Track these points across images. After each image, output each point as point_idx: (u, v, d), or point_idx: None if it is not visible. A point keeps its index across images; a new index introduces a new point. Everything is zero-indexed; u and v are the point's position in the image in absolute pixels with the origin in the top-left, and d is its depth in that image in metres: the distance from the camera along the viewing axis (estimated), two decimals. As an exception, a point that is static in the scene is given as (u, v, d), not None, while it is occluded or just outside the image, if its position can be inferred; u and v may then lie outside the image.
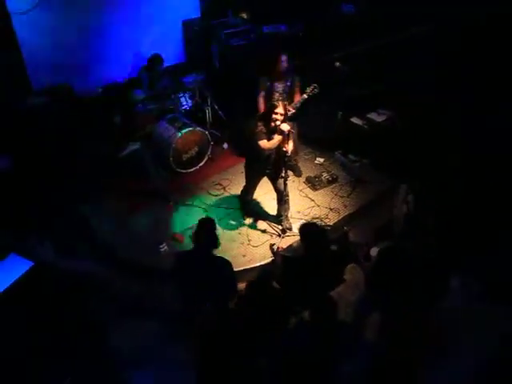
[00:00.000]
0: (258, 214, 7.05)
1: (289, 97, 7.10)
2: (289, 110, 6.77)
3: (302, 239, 5.02)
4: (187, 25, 9.28)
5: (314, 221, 6.67)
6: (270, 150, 6.07)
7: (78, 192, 7.09)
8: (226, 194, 7.50)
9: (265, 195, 7.20)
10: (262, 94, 7.10)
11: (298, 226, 6.18)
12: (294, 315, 4.66)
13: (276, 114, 5.89)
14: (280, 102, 6.09)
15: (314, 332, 4.17)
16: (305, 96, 6.81)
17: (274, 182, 6.51)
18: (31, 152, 7.19)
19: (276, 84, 7.06)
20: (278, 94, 7.05)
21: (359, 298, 5.19)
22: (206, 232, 4.77)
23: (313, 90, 6.77)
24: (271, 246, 6.22)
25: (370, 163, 7.88)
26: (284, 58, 6.90)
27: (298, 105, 6.93)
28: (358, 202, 7.31)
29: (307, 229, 5.06)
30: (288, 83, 7.05)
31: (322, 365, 4.10)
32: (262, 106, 7.04)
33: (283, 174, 6.29)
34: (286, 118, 6.39)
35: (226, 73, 8.98)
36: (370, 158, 7.89)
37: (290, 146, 6.11)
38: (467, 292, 4.86)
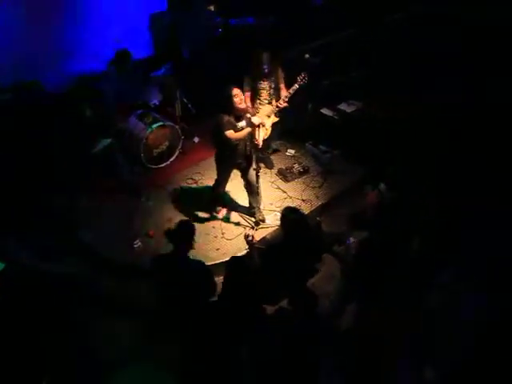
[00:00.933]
0: (231, 206, 7.04)
1: (275, 92, 7.07)
2: (280, 104, 6.79)
3: (282, 224, 4.96)
4: (155, 18, 9.19)
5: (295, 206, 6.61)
6: (237, 140, 6.01)
7: (52, 189, 7.02)
8: (198, 188, 7.48)
9: (236, 188, 7.17)
10: (248, 94, 7.01)
11: (273, 217, 6.37)
12: (271, 305, 4.68)
13: (236, 96, 5.79)
14: (234, 88, 5.90)
15: (293, 322, 4.20)
16: (296, 86, 6.69)
17: (244, 173, 6.47)
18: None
19: (261, 82, 6.98)
20: (265, 93, 7.00)
21: (335, 288, 5.45)
22: (185, 236, 4.70)
23: (303, 78, 6.69)
24: (246, 236, 6.14)
25: (341, 154, 7.92)
26: (265, 56, 6.80)
27: (288, 97, 6.80)
28: (329, 193, 7.35)
29: (290, 213, 5.01)
30: (273, 79, 6.99)
31: (300, 354, 4.13)
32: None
33: (254, 166, 6.31)
34: (275, 112, 6.53)
35: (195, 67, 8.93)
36: (340, 148, 7.93)
37: (260, 136, 6.13)
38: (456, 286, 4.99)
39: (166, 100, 8.31)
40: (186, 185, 7.54)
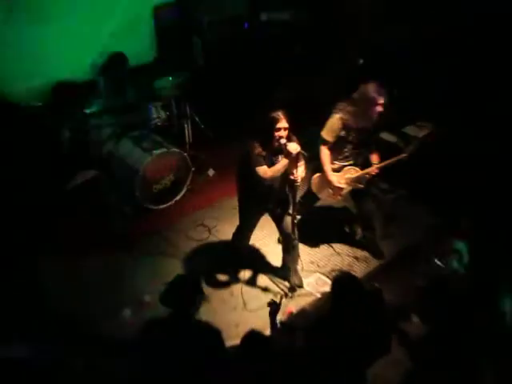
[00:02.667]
0: (257, 265, 6.98)
1: (363, 150, 6.71)
2: (372, 172, 6.60)
3: (332, 292, 4.87)
4: (159, 11, 9.33)
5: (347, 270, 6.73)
6: (272, 178, 5.95)
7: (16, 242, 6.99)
8: (213, 239, 7.45)
9: (265, 239, 7.22)
10: (329, 143, 6.59)
11: (314, 281, 6.59)
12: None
13: (279, 129, 5.75)
14: (282, 116, 5.72)
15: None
16: (406, 157, 6.47)
17: (278, 221, 6.41)
18: None
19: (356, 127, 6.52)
20: (350, 147, 6.62)
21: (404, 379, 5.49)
22: (184, 296, 4.68)
23: (417, 148, 6.58)
24: (273, 305, 5.79)
25: (409, 194, 7.97)
26: (381, 96, 6.27)
27: (384, 166, 6.59)
28: (393, 248, 7.27)
29: (341, 277, 5.01)
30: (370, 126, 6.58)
31: None
32: (325, 159, 6.58)
33: (291, 211, 6.16)
34: (360, 178, 6.53)
35: (211, 75, 9.07)
36: (408, 187, 7.97)
37: (300, 172, 5.90)
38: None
39: (172, 119, 8.38)
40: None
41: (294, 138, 5.93)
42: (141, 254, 7.15)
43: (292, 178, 5.87)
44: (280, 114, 5.77)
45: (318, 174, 6.67)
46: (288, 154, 5.75)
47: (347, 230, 7.62)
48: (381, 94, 6.19)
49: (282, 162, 5.84)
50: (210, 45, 9.23)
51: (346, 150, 6.59)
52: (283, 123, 5.74)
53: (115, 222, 7.22)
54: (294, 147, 5.71)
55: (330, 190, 6.70)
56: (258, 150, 5.85)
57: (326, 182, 6.61)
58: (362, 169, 6.64)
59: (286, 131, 5.79)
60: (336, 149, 6.55)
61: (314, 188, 6.78)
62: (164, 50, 9.47)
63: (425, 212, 7.71)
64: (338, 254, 7.17)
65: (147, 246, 7.28)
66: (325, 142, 6.41)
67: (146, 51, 9.39)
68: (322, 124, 6.50)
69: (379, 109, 6.22)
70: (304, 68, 9.25)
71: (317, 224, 7.48)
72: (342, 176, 6.65)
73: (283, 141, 5.75)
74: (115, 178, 7.55)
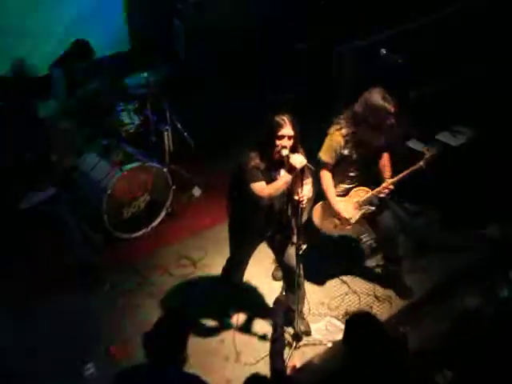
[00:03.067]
0: (253, 308, 6.96)
1: (371, 168, 6.78)
2: (383, 191, 6.62)
3: (346, 340, 4.78)
4: None
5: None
6: (271, 198, 5.89)
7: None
8: (199, 274, 7.45)
9: (262, 275, 7.25)
10: (330, 165, 6.68)
11: (324, 326, 6.66)
12: None
13: (281, 137, 5.70)
14: (287, 121, 5.79)
15: None
16: (422, 166, 6.48)
17: (278, 252, 6.39)
18: None
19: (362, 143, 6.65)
20: (356, 166, 6.71)
21: None
22: (163, 345, 4.59)
23: (435, 155, 6.50)
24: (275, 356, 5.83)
25: (442, 217, 7.98)
26: (390, 105, 6.36)
27: (398, 181, 6.61)
28: (424, 284, 7.23)
29: (358, 321, 4.85)
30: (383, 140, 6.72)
31: None
32: (328, 184, 6.66)
33: (295, 240, 6.04)
34: (372, 199, 6.57)
35: (197, 70, 9.38)
36: (441, 208, 8.00)
37: (306, 191, 5.88)
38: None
39: (148, 125, 8.37)
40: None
41: (301, 150, 5.92)
42: (110, 293, 7.12)
43: (296, 198, 5.84)
44: (285, 119, 5.73)
45: (320, 203, 6.66)
46: (291, 169, 5.72)
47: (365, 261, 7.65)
48: (389, 101, 6.24)
49: (284, 178, 5.81)
50: (195, 32, 9.25)
51: (351, 170, 6.63)
52: (287, 130, 5.70)
53: (77, 253, 7.22)
54: (298, 160, 5.67)
55: (337, 221, 6.70)
56: (255, 161, 5.82)
57: (330, 212, 6.61)
58: (372, 188, 6.65)
59: (291, 140, 5.75)
60: (339, 170, 6.59)
61: (316, 220, 6.74)
62: (138, 38, 9.69)
63: (464, 238, 7.73)
64: (354, 292, 7.14)
65: (117, 283, 7.22)
66: (325, 165, 6.42)
67: (117, 39, 9.64)
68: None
69: (390, 120, 6.24)
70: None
71: (326, 254, 7.46)
72: (349, 201, 6.68)
73: (285, 152, 5.71)
74: (79, 198, 7.57)
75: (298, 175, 5.74)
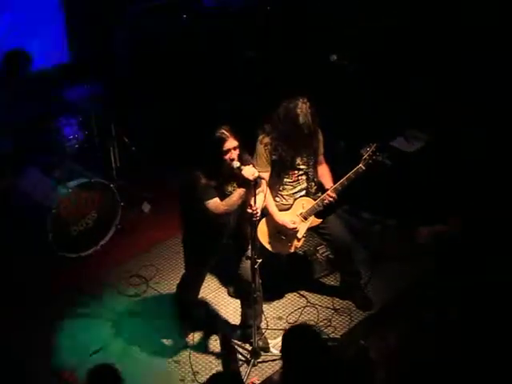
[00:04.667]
0: (209, 325, 6.91)
1: (314, 173, 6.81)
2: (328, 198, 6.57)
3: (284, 356, 4.76)
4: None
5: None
6: (227, 213, 5.88)
7: None
8: (151, 293, 7.39)
9: (218, 291, 7.24)
10: (267, 173, 6.62)
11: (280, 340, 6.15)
12: None
13: (227, 151, 5.73)
14: (228, 133, 5.78)
15: None
16: (362, 168, 6.45)
17: (234, 267, 6.35)
18: None
19: (297, 157, 6.59)
20: (296, 172, 6.68)
21: None
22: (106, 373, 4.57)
23: (373, 155, 6.46)
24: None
25: (398, 225, 8.02)
26: (306, 108, 6.35)
27: (341, 187, 6.57)
28: (384, 294, 7.23)
29: (296, 337, 4.76)
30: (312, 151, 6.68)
31: None
32: (268, 197, 6.55)
33: (250, 253, 5.98)
34: (316, 208, 6.54)
35: (142, 81, 9.38)
36: (398, 216, 8.02)
37: (259, 202, 5.86)
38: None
39: (93, 139, 8.37)
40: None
41: (247, 155, 6.02)
42: (54, 316, 6.99)
43: (249, 211, 5.80)
44: (225, 132, 5.76)
45: (262, 221, 6.52)
46: (244, 182, 5.71)
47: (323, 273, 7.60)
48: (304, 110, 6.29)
49: (238, 193, 5.84)
50: (136, 42, 9.26)
51: (285, 177, 6.63)
52: (231, 142, 5.72)
53: (18, 275, 7.19)
54: (250, 172, 5.67)
55: (283, 238, 6.62)
56: (204, 181, 5.80)
57: (276, 228, 6.53)
58: (315, 198, 6.67)
59: (237, 150, 5.78)
60: (274, 180, 6.59)
61: (263, 241, 6.59)
62: (78, 48, 9.69)
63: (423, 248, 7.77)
64: (313, 305, 7.09)
65: (63, 305, 7.12)
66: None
67: (55, 50, 9.48)
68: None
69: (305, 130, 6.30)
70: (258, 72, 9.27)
71: (282, 267, 7.44)
72: (292, 214, 6.63)
73: (236, 164, 5.73)
74: (16, 218, 7.53)
75: (250, 187, 5.72)
